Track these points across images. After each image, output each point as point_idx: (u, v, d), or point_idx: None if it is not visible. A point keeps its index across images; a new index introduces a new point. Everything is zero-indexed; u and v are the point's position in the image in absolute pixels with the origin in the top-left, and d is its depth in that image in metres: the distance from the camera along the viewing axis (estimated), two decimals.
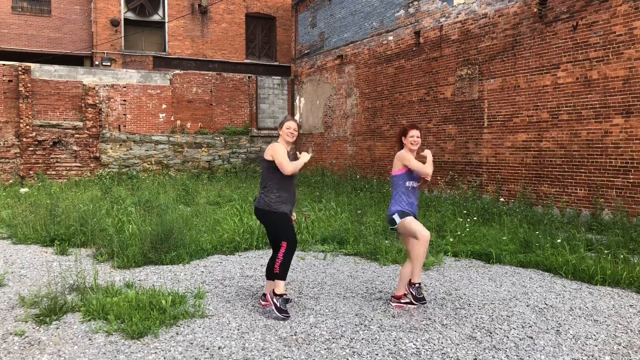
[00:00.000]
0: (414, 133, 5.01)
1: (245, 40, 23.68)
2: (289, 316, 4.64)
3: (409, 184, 4.97)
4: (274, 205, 4.79)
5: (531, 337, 4.27)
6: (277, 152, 4.75)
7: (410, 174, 4.96)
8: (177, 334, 4.26)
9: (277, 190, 4.82)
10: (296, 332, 4.34)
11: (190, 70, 20.78)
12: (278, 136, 5.04)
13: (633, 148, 9.18)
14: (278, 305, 4.66)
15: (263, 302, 4.96)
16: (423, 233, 4.76)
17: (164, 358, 3.81)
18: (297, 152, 5.07)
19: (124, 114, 18.42)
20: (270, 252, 7.49)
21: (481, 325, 4.53)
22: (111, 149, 18.23)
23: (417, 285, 4.97)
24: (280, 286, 4.71)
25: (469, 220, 9.19)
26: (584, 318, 4.77)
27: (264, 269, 6.43)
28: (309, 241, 7.91)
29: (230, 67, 22.91)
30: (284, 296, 4.72)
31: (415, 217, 5.00)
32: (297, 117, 21.16)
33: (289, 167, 4.71)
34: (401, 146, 5.11)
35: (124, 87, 18.43)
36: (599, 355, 3.93)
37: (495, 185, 11.81)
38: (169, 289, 5.32)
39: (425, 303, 4.97)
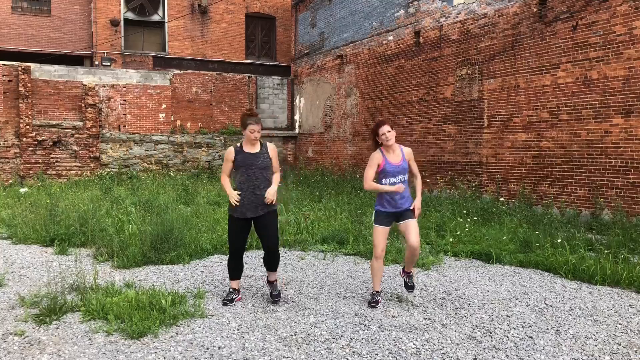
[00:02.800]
0: (383, 129, 4.95)
1: (245, 40, 23.68)
2: (227, 304, 5.03)
3: (385, 181, 4.97)
4: (229, 207, 5.13)
5: (531, 337, 4.27)
6: (225, 158, 5.17)
7: (384, 172, 4.96)
8: (177, 333, 4.26)
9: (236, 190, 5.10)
10: (296, 332, 4.34)
11: (190, 70, 20.77)
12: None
13: (633, 148, 9.18)
14: (225, 295, 5.26)
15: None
16: (376, 252, 5.04)
17: (164, 358, 3.81)
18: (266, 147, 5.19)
19: (124, 114, 18.42)
20: None
21: (481, 325, 4.54)
22: (111, 148, 18.23)
23: (375, 292, 5.13)
24: (231, 283, 5.24)
25: (468, 220, 9.19)
26: (584, 318, 4.77)
27: (264, 269, 6.44)
28: (309, 241, 7.91)
29: (230, 67, 22.90)
30: (231, 289, 5.18)
31: (391, 213, 4.98)
32: (297, 116, 21.16)
33: (222, 177, 5.17)
34: (376, 145, 5.08)
35: (124, 87, 18.43)
36: (598, 355, 3.93)
37: (495, 185, 11.81)
38: (169, 289, 5.32)
39: (374, 307, 5.03)
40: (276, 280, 5.27)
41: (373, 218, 5.10)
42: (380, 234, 5.01)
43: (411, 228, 4.95)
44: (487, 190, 12.01)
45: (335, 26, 18.41)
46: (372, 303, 5.05)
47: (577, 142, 10.11)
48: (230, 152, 5.06)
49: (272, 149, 5.16)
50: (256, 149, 5.07)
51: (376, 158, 4.99)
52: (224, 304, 5.03)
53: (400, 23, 15.05)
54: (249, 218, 5.03)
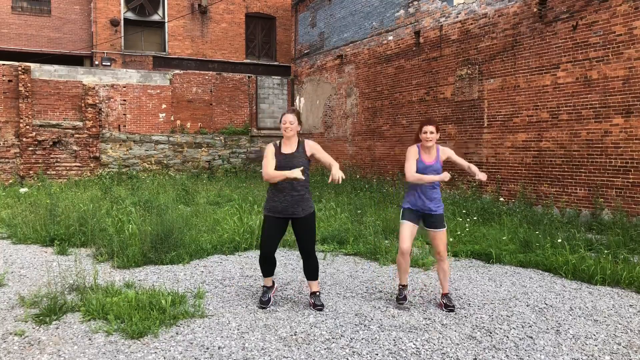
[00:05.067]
0: (427, 129, 4.84)
1: (245, 40, 23.68)
2: (265, 307, 4.91)
3: None
4: (265, 206, 4.98)
5: (531, 337, 4.27)
6: (264, 154, 4.87)
7: (418, 170, 4.84)
8: (177, 333, 4.26)
9: (270, 190, 4.92)
10: (296, 332, 4.34)
11: (190, 70, 20.78)
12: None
13: (633, 148, 9.18)
14: (260, 296, 5.09)
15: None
16: (401, 246, 4.92)
17: (164, 358, 3.81)
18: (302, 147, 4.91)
19: (123, 114, 18.42)
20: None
21: (481, 325, 4.54)
22: (111, 148, 18.23)
23: (401, 286, 5.08)
24: (264, 280, 5.12)
25: (468, 220, 9.19)
26: (584, 318, 4.77)
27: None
28: None
29: (230, 67, 22.91)
30: (264, 287, 5.08)
31: (419, 212, 4.90)
32: None
33: (264, 172, 4.76)
34: (418, 140, 5.00)
35: (124, 87, 18.43)
36: (598, 355, 3.93)
37: (495, 185, 11.81)
38: (169, 289, 5.32)
39: (403, 303, 5.01)
40: (319, 291, 5.06)
41: (400, 216, 4.98)
42: (407, 229, 4.89)
43: (439, 239, 4.95)
44: (487, 190, 12.01)
45: (335, 26, 18.40)
46: (401, 299, 4.97)
47: (577, 142, 10.10)
48: (270, 149, 4.82)
49: (310, 146, 4.86)
50: (293, 148, 4.82)
51: (413, 152, 4.90)
52: (262, 307, 4.88)
53: (400, 23, 15.05)
54: (288, 218, 4.83)
